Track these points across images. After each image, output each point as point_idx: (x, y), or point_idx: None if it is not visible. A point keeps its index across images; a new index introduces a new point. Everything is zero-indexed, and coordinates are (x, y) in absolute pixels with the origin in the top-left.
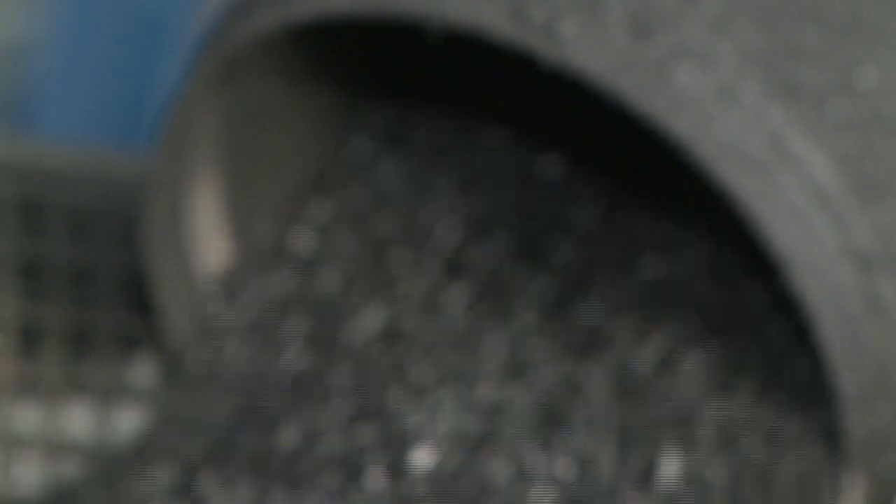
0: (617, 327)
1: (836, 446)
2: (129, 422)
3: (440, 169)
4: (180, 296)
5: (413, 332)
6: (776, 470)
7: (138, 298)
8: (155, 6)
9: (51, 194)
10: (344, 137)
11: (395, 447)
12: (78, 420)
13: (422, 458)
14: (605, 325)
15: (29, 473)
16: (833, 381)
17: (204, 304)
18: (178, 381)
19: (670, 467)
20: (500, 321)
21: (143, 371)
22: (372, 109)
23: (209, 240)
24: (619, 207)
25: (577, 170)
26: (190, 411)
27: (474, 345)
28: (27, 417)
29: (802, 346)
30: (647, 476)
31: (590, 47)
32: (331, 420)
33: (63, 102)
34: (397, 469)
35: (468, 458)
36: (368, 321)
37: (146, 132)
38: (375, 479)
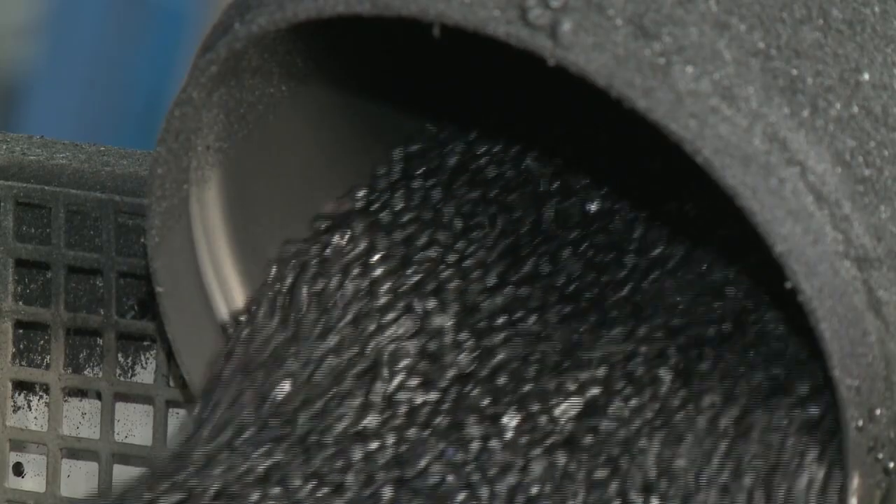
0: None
1: (836, 444)
2: (131, 422)
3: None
4: (183, 296)
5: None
6: (777, 469)
7: (139, 298)
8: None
9: (51, 193)
10: (343, 138)
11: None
12: (80, 420)
13: None
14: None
15: (32, 473)
16: (832, 379)
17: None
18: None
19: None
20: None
21: (146, 372)
22: (371, 109)
23: (212, 238)
24: (619, 209)
25: (575, 170)
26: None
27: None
28: (29, 418)
29: (802, 345)
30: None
31: (591, 48)
32: None
33: (51, 95)
34: None
35: None
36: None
37: (133, 124)
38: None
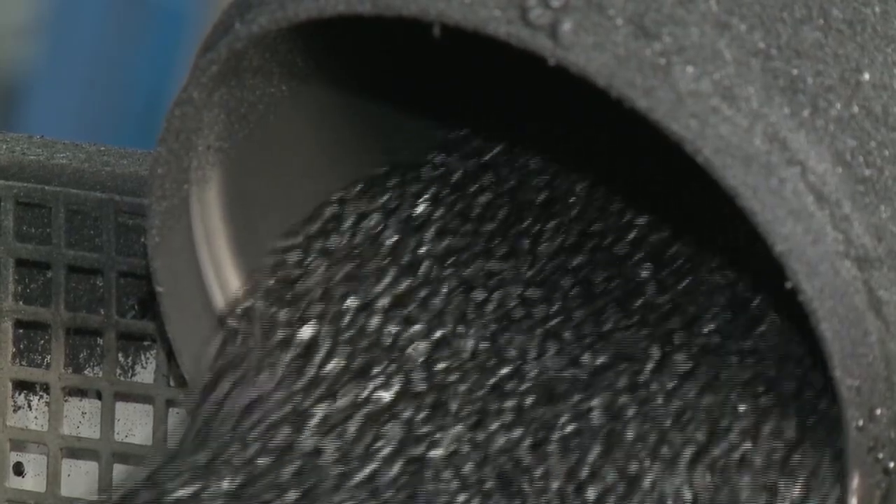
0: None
1: (837, 445)
2: (131, 421)
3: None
4: (184, 296)
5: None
6: (778, 468)
7: (140, 298)
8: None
9: (51, 193)
10: (342, 138)
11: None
12: (80, 420)
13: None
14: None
15: (33, 473)
16: (833, 379)
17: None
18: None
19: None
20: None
21: (146, 371)
22: (371, 109)
23: (212, 238)
24: (618, 207)
25: (575, 170)
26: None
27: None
28: (29, 417)
29: (802, 345)
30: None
31: (592, 47)
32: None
33: (51, 95)
34: None
35: None
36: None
37: (133, 124)
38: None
